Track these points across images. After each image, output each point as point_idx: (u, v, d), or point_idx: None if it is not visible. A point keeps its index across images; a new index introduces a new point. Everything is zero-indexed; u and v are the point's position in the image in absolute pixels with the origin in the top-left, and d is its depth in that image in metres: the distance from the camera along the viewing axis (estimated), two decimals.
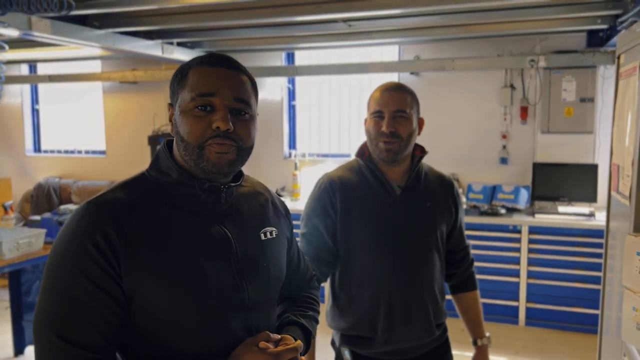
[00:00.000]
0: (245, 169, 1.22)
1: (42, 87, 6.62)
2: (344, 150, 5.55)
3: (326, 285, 1.89)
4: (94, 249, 0.98)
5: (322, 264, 1.76)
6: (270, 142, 5.53)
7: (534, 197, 4.64)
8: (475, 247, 4.25)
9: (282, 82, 5.53)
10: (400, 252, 1.73)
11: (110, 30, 4.04)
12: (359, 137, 5.42)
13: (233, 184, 1.15)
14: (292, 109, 5.67)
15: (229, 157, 1.08)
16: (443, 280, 1.88)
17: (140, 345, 1.05)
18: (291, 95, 5.66)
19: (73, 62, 6.13)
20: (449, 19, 3.90)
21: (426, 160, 1.88)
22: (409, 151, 1.76)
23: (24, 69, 6.55)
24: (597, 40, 4.33)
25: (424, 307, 1.77)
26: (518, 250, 4.29)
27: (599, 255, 3.74)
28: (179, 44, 4.80)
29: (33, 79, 6.35)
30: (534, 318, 4.31)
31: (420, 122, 1.79)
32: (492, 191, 4.74)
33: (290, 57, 5.62)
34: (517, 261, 4.29)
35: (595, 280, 4.00)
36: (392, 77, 5.17)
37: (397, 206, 1.75)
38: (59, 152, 6.60)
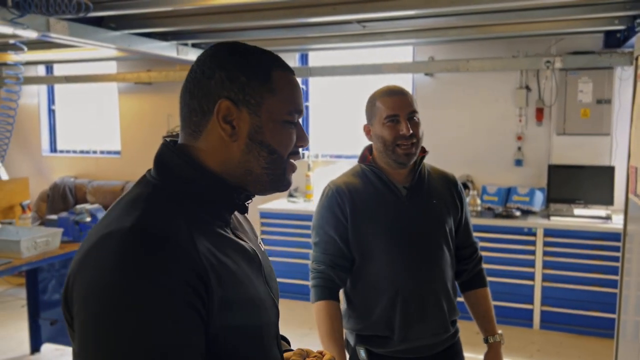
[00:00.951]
0: None
1: (59, 88, 6.70)
2: (357, 152, 5.52)
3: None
4: (189, 289, 0.80)
5: (340, 270, 1.78)
6: None
7: (550, 199, 4.60)
8: (490, 249, 4.22)
9: None
10: (412, 250, 1.76)
11: (126, 31, 4.07)
12: None
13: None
14: (305, 109, 5.66)
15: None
16: (454, 276, 1.89)
17: None
18: (305, 96, 5.67)
19: (89, 63, 6.19)
20: (464, 19, 3.88)
21: (441, 162, 1.91)
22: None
23: (41, 70, 6.63)
24: (615, 41, 4.27)
25: (439, 303, 1.79)
26: (533, 253, 4.25)
27: (615, 259, 3.70)
28: (193, 45, 4.83)
29: (50, 80, 6.42)
30: (549, 321, 4.27)
31: None
32: (507, 193, 4.70)
33: (304, 58, 5.63)
34: (532, 264, 4.26)
35: (612, 283, 3.95)
36: (406, 78, 5.16)
37: (405, 206, 1.78)
38: (75, 152, 6.67)
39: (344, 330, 1.85)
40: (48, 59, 5.97)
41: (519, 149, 4.83)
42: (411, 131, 1.72)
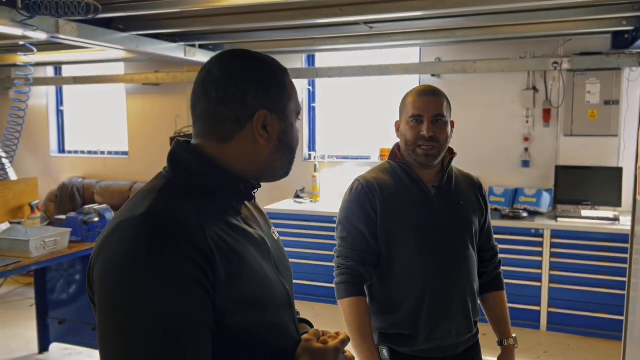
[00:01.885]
0: None
1: (67, 89, 6.74)
2: (363, 153, 5.55)
3: None
4: (194, 267, 0.88)
5: (368, 266, 1.77)
6: None
7: (557, 200, 4.58)
8: None
9: (302, 84, 5.55)
10: (440, 249, 1.76)
11: (134, 33, 4.10)
12: (379, 139, 5.41)
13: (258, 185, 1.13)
14: (312, 110, 5.69)
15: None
16: (477, 277, 1.89)
17: None
18: (311, 97, 5.68)
19: (97, 64, 6.24)
20: (471, 20, 3.88)
21: None
22: (443, 154, 1.79)
23: (50, 71, 6.68)
24: (623, 42, 4.25)
25: (465, 304, 1.79)
26: (540, 254, 4.24)
27: (623, 260, 3.68)
28: (201, 47, 4.85)
29: (58, 81, 6.47)
30: (556, 323, 4.25)
31: (452, 125, 1.82)
32: (514, 194, 4.69)
33: (311, 59, 5.64)
34: (539, 265, 4.24)
35: (620, 285, 3.93)
36: (413, 79, 5.16)
37: (434, 205, 1.78)
38: (83, 152, 6.71)
39: None
40: (57, 60, 6.02)
41: (526, 150, 4.82)
42: (432, 134, 1.72)
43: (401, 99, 1.84)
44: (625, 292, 2.97)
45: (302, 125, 5.59)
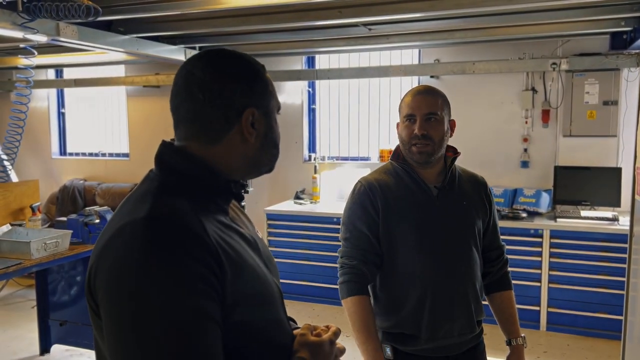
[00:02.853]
0: None
1: (68, 92, 6.76)
2: (363, 154, 5.56)
3: None
4: (202, 266, 0.88)
5: (371, 266, 1.78)
6: (290, 146, 5.56)
7: (556, 201, 4.59)
8: None
9: (302, 85, 5.57)
10: (442, 249, 1.77)
11: (135, 35, 4.12)
12: (379, 140, 5.43)
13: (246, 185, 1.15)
14: (312, 112, 5.70)
15: None
16: (481, 277, 1.89)
17: None
18: (311, 98, 5.69)
19: (98, 67, 6.25)
20: (470, 22, 3.89)
21: None
22: (441, 153, 1.80)
23: (51, 74, 6.70)
24: (621, 42, 4.27)
25: (467, 303, 1.79)
26: (539, 254, 4.25)
27: (622, 260, 3.69)
28: (201, 49, 4.86)
29: (59, 84, 6.49)
30: (555, 323, 4.26)
31: (452, 124, 1.83)
32: (513, 195, 4.70)
33: (311, 61, 5.65)
34: (538, 266, 4.25)
35: (619, 285, 3.94)
36: (412, 81, 5.18)
37: (436, 206, 1.79)
38: (84, 155, 6.73)
39: None
40: (57, 62, 6.04)
41: (525, 150, 4.83)
42: (424, 132, 1.73)
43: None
44: (624, 292, 2.98)
45: (302, 127, 5.61)
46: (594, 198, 4.47)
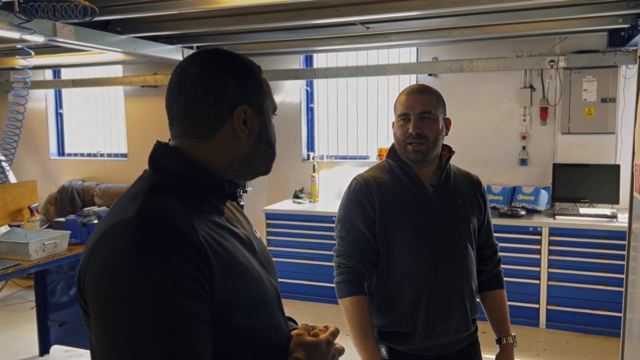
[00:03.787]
0: None
1: (66, 92, 6.75)
2: (362, 152, 5.56)
3: None
4: (190, 266, 0.88)
5: (368, 264, 1.78)
6: (288, 145, 5.56)
7: (555, 198, 4.59)
8: None
9: (300, 84, 5.57)
10: (438, 248, 1.77)
11: (132, 35, 4.11)
12: (378, 139, 5.43)
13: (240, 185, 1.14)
14: (310, 111, 5.70)
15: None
16: (476, 275, 1.89)
17: None
18: (309, 97, 5.69)
19: (95, 67, 6.24)
20: (467, 20, 3.89)
21: None
22: (437, 152, 1.79)
23: (48, 74, 6.69)
24: (619, 39, 4.27)
25: (462, 302, 1.79)
26: (538, 252, 4.25)
27: (621, 257, 3.70)
28: (198, 48, 4.85)
29: (57, 84, 6.48)
30: (555, 320, 4.27)
31: (447, 122, 1.82)
32: (512, 192, 4.71)
33: (309, 60, 5.65)
34: (537, 263, 4.26)
35: (618, 282, 3.94)
36: (410, 79, 5.18)
37: (431, 204, 1.79)
38: (82, 155, 6.72)
39: None
40: (55, 63, 6.02)
41: (524, 148, 4.83)
42: (419, 130, 1.72)
43: None
44: (623, 289, 2.98)
45: (301, 125, 5.60)
46: (592, 195, 4.48)
